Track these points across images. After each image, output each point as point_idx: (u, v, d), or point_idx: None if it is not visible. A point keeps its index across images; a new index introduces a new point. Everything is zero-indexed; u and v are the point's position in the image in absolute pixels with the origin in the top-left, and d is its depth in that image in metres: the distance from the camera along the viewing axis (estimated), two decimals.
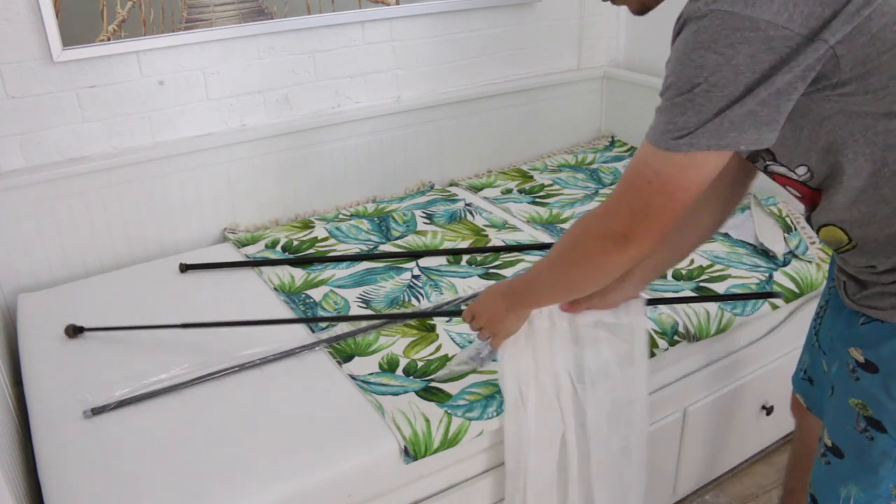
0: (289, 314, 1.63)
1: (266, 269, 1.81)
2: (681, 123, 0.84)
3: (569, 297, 1.22)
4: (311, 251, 1.91)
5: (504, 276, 1.74)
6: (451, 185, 2.40)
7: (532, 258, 1.82)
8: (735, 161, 1.10)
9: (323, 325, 1.57)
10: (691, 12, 0.84)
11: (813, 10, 0.78)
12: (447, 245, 1.91)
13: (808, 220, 1.05)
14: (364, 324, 1.56)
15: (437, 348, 1.47)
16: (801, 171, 0.97)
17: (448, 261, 1.84)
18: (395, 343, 1.49)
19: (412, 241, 1.94)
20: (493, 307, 1.21)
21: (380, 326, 1.55)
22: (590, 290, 1.12)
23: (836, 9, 0.79)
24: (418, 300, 1.66)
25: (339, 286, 1.72)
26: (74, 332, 1.55)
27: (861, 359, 1.03)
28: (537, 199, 2.20)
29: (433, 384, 1.37)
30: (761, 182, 2.19)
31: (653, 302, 1.40)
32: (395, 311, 1.61)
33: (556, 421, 1.31)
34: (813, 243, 1.84)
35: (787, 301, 1.70)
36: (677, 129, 0.84)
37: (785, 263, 1.77)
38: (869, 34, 0.80)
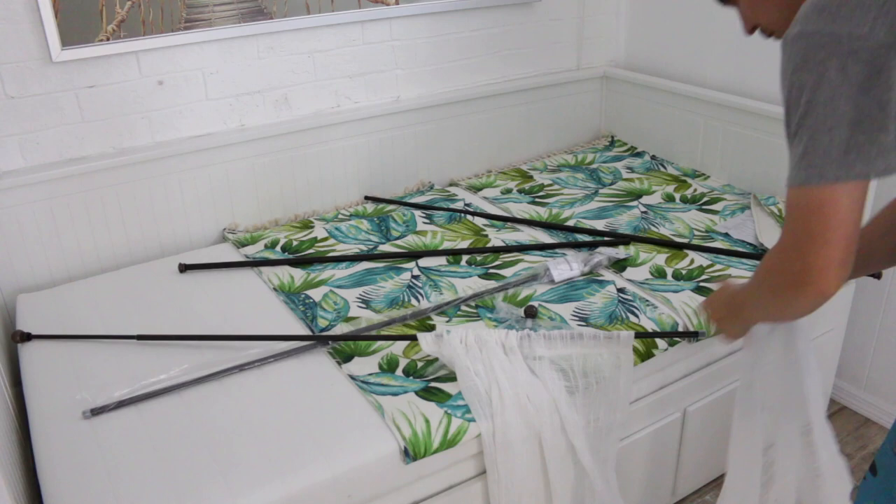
0: (288, 314, 1.62)
1: (266, 270, 1.81)
2: (803, 151, 0.85)
3: (779, 322, 1.23)
4: (310, 251, 1.91)
5: (504, 276, 1.74)
6: (450, 185, 2.39)
7: (532, 258, 1.82)
8: None
9: (322, 325, 1.57)
10: (783, 39, 0.87)
11: (895, 18, 0.79)
12: (447, 245, 1.91)
13: None
14: (364, 323, 1.56)
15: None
16: None
17: (448, 261, 1.84)
18: (395, 343, 1.49)
19: (412, 241, 1.94)
20: (721, 309, 1.21)
21: (381, 327, 1.55)
22: (796, 318, 1.12)
23: None
24: (418, 300, 1.66)
25: (339, 286, 1.72)
26: (22, 338, 1.55)
27: None
28: (537, 199, 2.20)
29: (433, 384, 1.37)
30: (761, 182, 2.19)
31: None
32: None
33: (533, 427, 1.34)
34: None
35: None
36: (804, 160, 0.85)
37: None
38: None
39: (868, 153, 0.82)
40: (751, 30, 1.04)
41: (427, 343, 1.41)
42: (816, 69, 0.82)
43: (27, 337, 1.55)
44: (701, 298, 1.62)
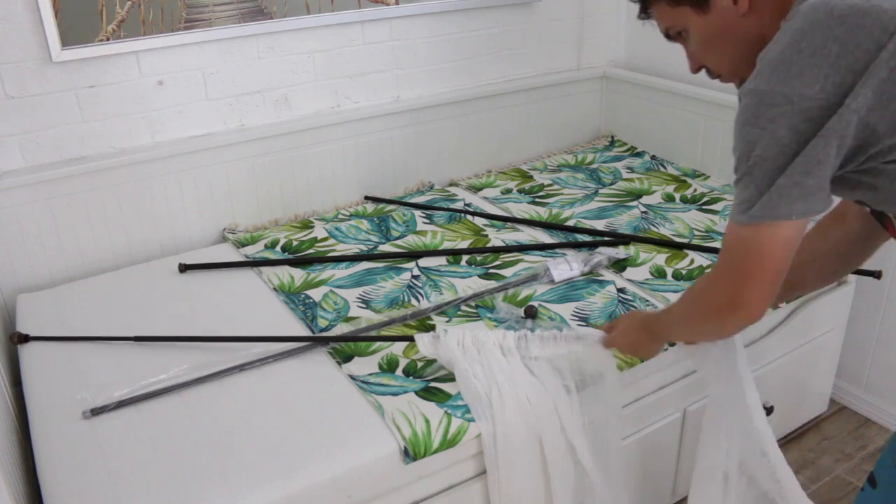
0: (288, 314, 1.62)
1: (266, 270, 1.81)
2: (744, 198, 0.91)
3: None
4: (310, 251, 1.91)
5: (504, 276, 1.74)
6: (450, 185, 2.39)
7: (532, 258, 1.82)
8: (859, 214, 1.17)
9: (322, 325, 1.57)
10: (739, 93, 0.91)
11: (844, 78, 0.82)
12: (447, 245, 1.91)
13: None
14: (364, 323, 1.56)
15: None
16: None
17: (448, 261, 1.84)
18: (395, 343, 1.49)
19: (412, 241, 1.94)
20: (635, 336, 1.29)
21: (381, 327, 1.55)
22: (720, 339, 1.24)
23: (859, 74, 0.82)
24: (418, 300, 1.66)
25: (339, 286, 1.72)
26: (20, 339, 1.54)
27: None
28: (537, 199, 2.20)
29: (433, 384, 1.37)
30: None
31: None
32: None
33: (534, 428, 1.34)
34: None
35: (788, 301, 1.69)
36: (742, 204, 0.91)
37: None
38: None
39: (789, 194, 0.87)
40: (696, 69, 1.07)
41: (424, 344, 1.41)
42: (767, 126, 0.86)
43: (25, 338, 1.54)
44: None
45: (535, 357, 1.39)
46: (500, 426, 1.29)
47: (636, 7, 1.07)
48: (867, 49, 0.81)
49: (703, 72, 1.07)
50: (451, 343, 1.39)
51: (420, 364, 1.43)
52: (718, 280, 1.00)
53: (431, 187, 2.35)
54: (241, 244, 1.95)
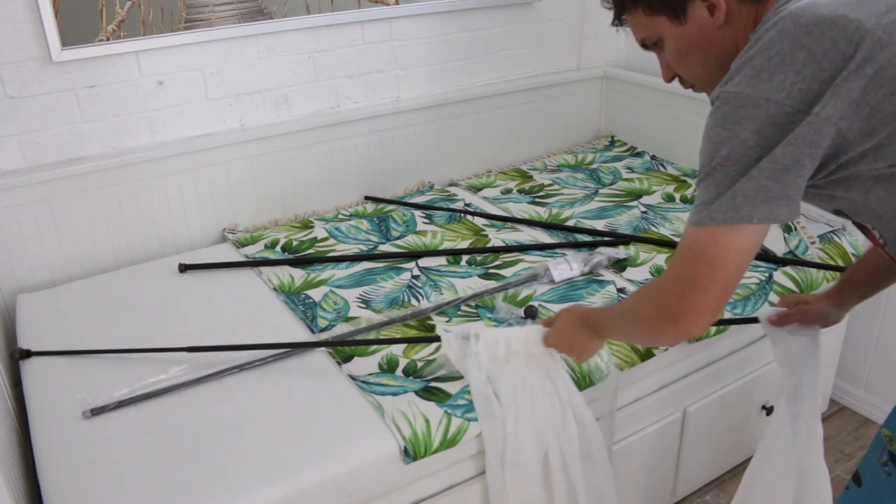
0: (288, 314, 1.62)
1: (266, 270, 1.81)
2: (705, 199, 0.90)
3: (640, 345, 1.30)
4: (310, 251, 1.91)
5: (504, 276, 1.74)
6: (450, 185, 2.39)
7: (532, 258, 1.82)
8: None
9: (322, 325, 1.57)
10: (711, 98, 0.92)
11: (810, 86, 0.83)
12: (447, 245, 1.91)
13: None
14: (364, 324, 1.56)
15: (437, 349, 1.46)
16: (877, 233, 1.00)
17: (448, 261, 1.84)
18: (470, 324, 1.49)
19: (412, 241, 1.94)
20: (573, 334, 1.25)
21: (380, 327, 1.55)
22: (657, 346, 1.23)
23: (827, 83, 0.83)
24: (418, 300, 1.66)
25: (339, 286, 1.72)
26: (22, 355, 1.49)
27: None
28: (537, 199, 2.20)
29: (433, 384, 1.37)
30: None
31: None
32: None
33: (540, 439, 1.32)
34: (813, 243, 1.84)
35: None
36: (702, 205, 0.90)
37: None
38: (868, 107, 0.83)
39: (754, 198, 0.86)
40: (670, 78, 1.08)
41: (452, 349, 1.34)
42: (733, 129, 0.86)
43: (27, 354, 1.49)
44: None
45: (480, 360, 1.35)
46: (510, 446, 1.28)
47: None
48: (833, 59, 0.82)
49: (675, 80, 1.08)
50: (481, 355, 1.32)
51: (420, 364, 1.43)
52: (664, 285, 0.98)
53: (431, 187, 2.35)
54: (241, 244, 1.95)
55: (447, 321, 1.57)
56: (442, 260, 1.85)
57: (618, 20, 1.06)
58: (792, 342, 1.37)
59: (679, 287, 0.94)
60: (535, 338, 1.31)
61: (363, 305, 1.64)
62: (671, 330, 0.96)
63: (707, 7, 0.95)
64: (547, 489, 1.35)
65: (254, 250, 1.91)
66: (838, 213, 1.00)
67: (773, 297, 1.66)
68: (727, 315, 1.57)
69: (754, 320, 1.49)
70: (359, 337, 1.52)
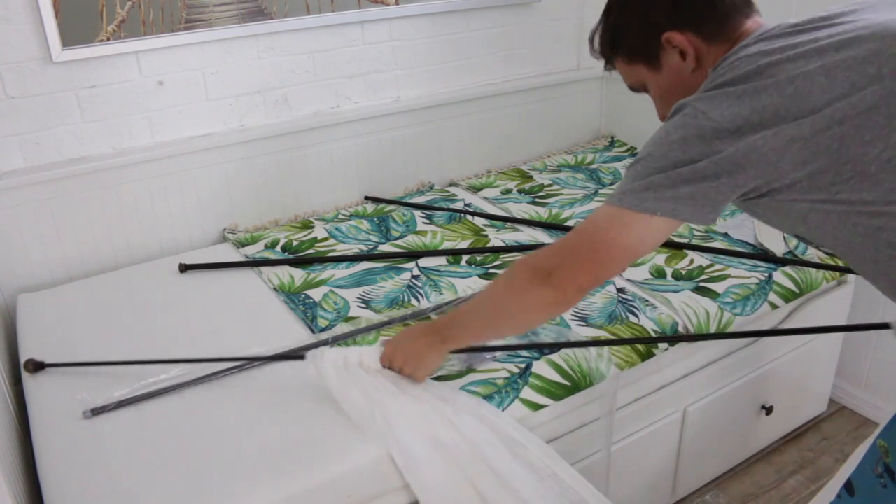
0: (288, 314, 1.62)
1: (266, 270, 1.81)
2: (621, 186, 0.95)
3: (492, 336, 1.29)
4: (310, 251, 1.91)
5: None
6: (450, 185, 2.39)
7: None
8: None
9: (322, 325, 1.57)
10: (674, 107, 0.96)
11: (741, 111, 0.87)
12: (447, 245, 1.91)
13: None
14: (364, 323, 1.56)
15: None
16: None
17: (448, 261, 1.84)
18: None
19: (412, 241, 1.94)
20: (410, 345, 1.25)
21: (380, 327, 1.55)
22: (512, 329, 1.20)
23: (761, 115, 0.86)
24: (418, 300, 1.66)
25: (339, 286, 1.72)
26: (35, 367, 1.45)
27: None
28: (537, 199, 2.20)
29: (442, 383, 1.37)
30: None
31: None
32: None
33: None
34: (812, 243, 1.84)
35: (787, 301, 1.70)
36: (617, 190, 0.95)
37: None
38: (802, 139, 0.85)
39: (662, 195, 0.91)
40: (662, 117, 1.10)
41: (311, 367, 1.34)
42: (669, 130, 0.92)
43: (41, 366, 1.45)
44: (701, 299, 1.62)
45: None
46: (392, 443, 1.24)
47: (609, 0, 1.11)
48: (773, 100, 0.86)
49: None
50: (326, 368, 1.32)
51: None
52: (551, 249, 1.02)
53: (431, 187, 2.35)
54: (241, 244, 1.95)
55: None
56: (442, 260, 1.85)
57: (608, 66, 1.13)
58: None
59: (559, 257, 1.00)
60: (371, 357, 1.32)
61: (363, 305, 1.64)
62: (536, 293, 1.01)
63: (679, 53, 1.01)
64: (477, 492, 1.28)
65: (254, 250, 1.91)
66: (799, 237, 1.02)
67: (773, 298, 1.66)
68: (830, 322, 1.55)
69: (885, 326, 1.48)
70: (358, 338, 1.52)
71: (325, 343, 1.49)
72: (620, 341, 1.47)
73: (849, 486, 1.08)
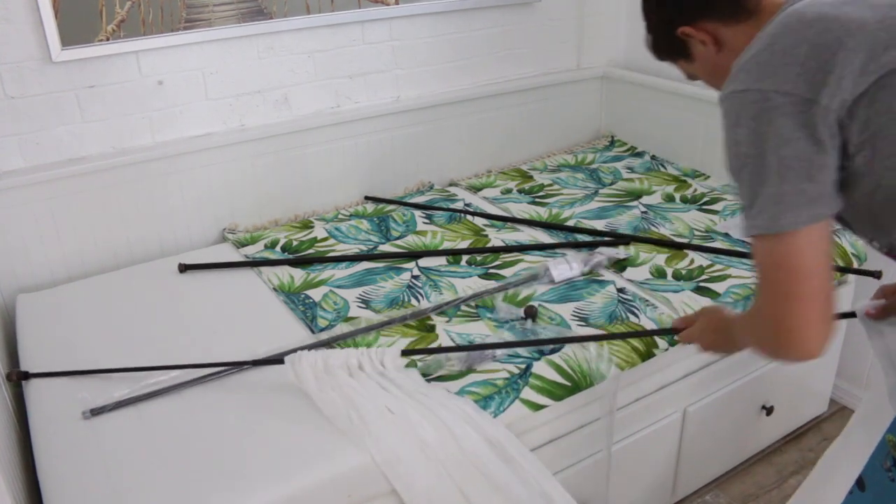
0: (288, 314, 1.62)
1: (265, 270, 1.81)
2: (746, 203, 0.90)
3: None
4: (310, 251, 1.91)
5: (503, 277, 1.74)
6: (450, 185, 2.39)
7: (532, 258, 1.82)
8: None
9: (322, 325, 1.57)
10: (719, 98, 0.94)
11: (814, 76, 0.84)
12: (447, 245, 1.91)
13: None
14: (364, 323, 1.56)
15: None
16: (876, 244, 0.99)
17: (448, 261, 1.84)
18: (395, 343, 1.49)
19: (412, 241, 1.94)
20: (713, 338, 1.25)
21: (380, 327, 1.55)
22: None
23: (829, 73, 0.84)
24: (418, 300, 1.66)
25: (339, 286, 1.72)
26: (19, 377, 1.42)
27: None
28: (537, 199, 2.20)
29: (432, 383, 1.37)
30: None
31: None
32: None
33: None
34: None
35: None
36: (746, 211, 0.91)
37: None
38: (866, 98, 0.84)
39: (795, 203, 0.86)
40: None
41: (291, 373, 1.35)
42: (747, 124, 0.88)
43: (25, 376, 1.43)
44: (701, 299, 1.62)
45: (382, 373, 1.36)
46: (373, 445, 1.23)
47: (636, 7, 1.12)
48: (834, 50, 0.84)
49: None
50: (304, 370, 1.34)
51: (419, 364, 1.42)
52: (762, 304, 0.95)
53: (431, 187, 2.35)
54: (241, 244, 1.95)
55: (447, 321, 1.57)
56: (442, 260, 1.85)
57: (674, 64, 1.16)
58: (891, 336, 1.31)
59: (776, 304, 0.91)
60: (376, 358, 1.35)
61: (363, 305, 1.64)
62: (785, 352, 0.93)
63: (699, 42, 1.02)
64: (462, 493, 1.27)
65: (254, 250, 1.91)
66: (840, 220, 1.00)
67: None
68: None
69: (851, 315, 1.44)
70: (359, 338, 1.52)
71: (323, 345, 1.49)
72: (613, 336, 1.47)
73: (860, 482, 1.09)
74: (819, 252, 0.89)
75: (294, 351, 1.42)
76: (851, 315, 1.45)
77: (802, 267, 0.88)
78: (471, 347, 1.43)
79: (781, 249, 0.89)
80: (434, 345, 1.48)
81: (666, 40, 1.08)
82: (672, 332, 1.39)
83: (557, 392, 1.38)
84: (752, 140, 0.87)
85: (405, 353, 1.43)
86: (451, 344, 1.48)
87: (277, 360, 1.40)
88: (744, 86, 0.88)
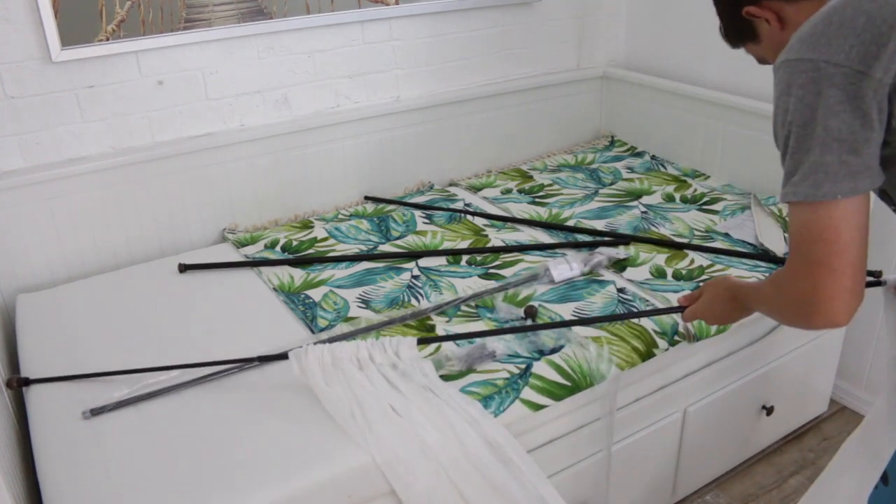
0: (288, 314, 1.62)
1: (265, 270, 1.81)
2: (787, 169, 0.91)
3: None
4: (310, 251, 1.91)
5: (503, 277, 1.74)
6: (450, 185, 2.39)
7: (532, 258, 1.82)
8: None
9: (322, 325, 1.57)
10: (773, 69, 0.94)
11: (868, 48, 0.84)
12: (447, 245, 1.91)
13: None
14: (364, 323, 1.56)
15: (437, 348, 1.46)
16: None
17: (448, 261, 1.84)
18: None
19: (412, 241, 1.94)
20: (722, 307, 1.24)
21: (380, 327, 1.55)
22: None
23: (881, 47, 0.84)
24: (418, 300, 1.66)
25: (339, 286, 1.72)
26: (19, 383, 1.41)
27: None
28: (537, 199, 2.20)
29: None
30: (761, 182, 2.19)
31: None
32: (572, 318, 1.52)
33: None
34: None
35: None
36: (786, 177, 0.91)
37: None
38: None
39: (836, 174, 0.87)
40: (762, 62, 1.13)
41: (295, 366, 1.35)
42: (796, 93, 0.88)
43: (25, 382, 1.42)
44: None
45: (393, 365, 1.37)
46: (373, 443, 1.23)
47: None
48: (892, 23, 0.84)
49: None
50: (311, 363, 1.33)
51: (425, 359, 1.42)
52: (793, 273, 0.94)
53: (431, 187, 2.35)
54: (241, 244, 1.95)
55: (447, 321, 1.57)
56: (442, 260, 1.85)
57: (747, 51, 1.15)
58: None
59: (806, 273, 0.91)
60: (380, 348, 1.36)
61: (363, 305, 1.64)
62: (813, 321, 0.94)
63: (764, 21, 1.02)
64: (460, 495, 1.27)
65: (254, 250, 1.91)
66: (883, 194, 0.99)
67: None
68: None
69: (879, 283, 1.41)
70: (358, 337, 1.52)
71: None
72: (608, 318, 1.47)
73: (884, 477, 1.10)
74: (857, 225, 0.89)
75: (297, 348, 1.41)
76: (879, 283, 1.42)
77: (839, 239, 0.88)
78: (485, 333, 1.43)
79: (819, 219, 0.89)
80: (434, 346, 1.48)
81: (734, 23, 1.08)
82: (678, 310, 1.39)
83: (557, 392, 1.38)
84: (799, 109, 0.88)
85: (422, 341, 1.43)
86: (451, 344, 1.48)
87: (282, 356, 1.40)
88: (797, 55, 0.89)
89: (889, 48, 0.84)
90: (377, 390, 1.30)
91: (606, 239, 1.91)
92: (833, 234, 0.88)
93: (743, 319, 1.25)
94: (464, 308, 1.62)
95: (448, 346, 1.47)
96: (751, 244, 1.86)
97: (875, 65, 0.84)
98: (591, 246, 1.87)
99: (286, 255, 1.89)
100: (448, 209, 2.11)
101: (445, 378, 1.38)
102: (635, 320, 1.54)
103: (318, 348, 1.36)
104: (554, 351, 1.45)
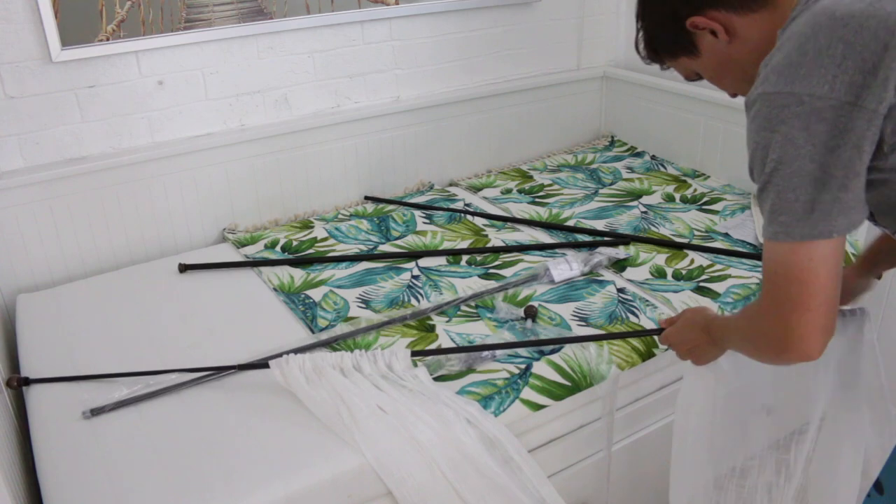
0: (288, 314, 1.62)
1: (265, 270, 1.81)
2: (772, 208, 0.87)
3: None
4: (310, 251, 1.91)
5: (503, 277, 1.74)
6: (450, 185, 2.39)
7: (532, 258, 1.82)
8: None
9: (322, 325, 1.57)
10: (746, 101, 0.90)
11: (853, 78, 0.81)
12: (447, 245, 1.91)
13: None
14: (364, 323, 1.56)
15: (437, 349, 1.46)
16: None
17: (448, 261, 1.84)
18: (395, 343, 1.49)
19: (412, 241, 1.94)
20: (694, 338, 1.23)
21: (380, 327, 1.55)
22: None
23: (870, 74, 0.81)
24: (418, 300, 1.66)
25: (339, 286, 1.72)
26: (19, 383, 1.41)
27: None
28: (537, 199, 2.20)
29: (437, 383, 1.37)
30: None
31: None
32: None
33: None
34: None
35: None
36: (772, 216, 0.87)
37: None
38: None
39: (830, 211, 0.84)
40: (732, 95, 1.08)
41: (279, 373, 1.35)
42: (780, 129, 0.84)
43: (25, 381, 1.42)
44: (702, 299, 1.62)
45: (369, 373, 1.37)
46: (362, 442, 1.23)
47: (637, 7, 1.10)
48: (874, 50, 0.80)
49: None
50: (293, 370, 1.34)
51: (419, 365, 1.42)
52: (765, 314, 0.93)
53: (431, 187, 2.35)
54: (241, 244, 1.95)
55: (447, 321, 1.57)
56: (442, 260, 1.85)
57: (663, 67, 1.12)
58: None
59: (780, 312, 0.90)
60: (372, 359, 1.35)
61: (363, 305, 1.64)
62: (786, 357, 0.92)
63: (709, 33, 0.98)
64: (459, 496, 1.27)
65: (254, 250, 1.91)
66: (870, 215, 0.96)
67: None
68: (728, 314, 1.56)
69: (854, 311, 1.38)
70: (359, 338, 1.52)
71: (323, 345, 1.49)
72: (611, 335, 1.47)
73: (878, 485, 1.09)
74: (834, 264, 0.87)
75: (281, 355, 1.40)
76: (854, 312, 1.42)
77: (816, 280, 0.86)
78: (479, 348, 1.43)
79: (798, 261, 0.86)
80: (434, 345, 1.48)
81: (672, 35, 1.02)
82: (657, 332, 1.37)
83: (557, 392, 1.38)
84: (785, 146, 0.84)
85: (415, 353, 1.42)
86: (452, 344, 1.48)
87: (262, 364, 1.39)
88: (774, 88, 0.84)
89: (879, 76, 0.80)
90: (363, 391, 1.30)
91: (606, 239, 1.91)
92: (811, 276, 0.86)
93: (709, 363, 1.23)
94: (464, 308, 1.62)
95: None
96: (751, 244, 1.86)
97: (865, 94, 0.81)
98: (591, 246, 1.87)
99: (286, 255, 1.89)
100: (448, 209, 2.11)
101: (445, 378, 1.38)
102: (635, 320, 1.54)
103: (300, 357, 1.36)
104: (554, 351, 1.45)
